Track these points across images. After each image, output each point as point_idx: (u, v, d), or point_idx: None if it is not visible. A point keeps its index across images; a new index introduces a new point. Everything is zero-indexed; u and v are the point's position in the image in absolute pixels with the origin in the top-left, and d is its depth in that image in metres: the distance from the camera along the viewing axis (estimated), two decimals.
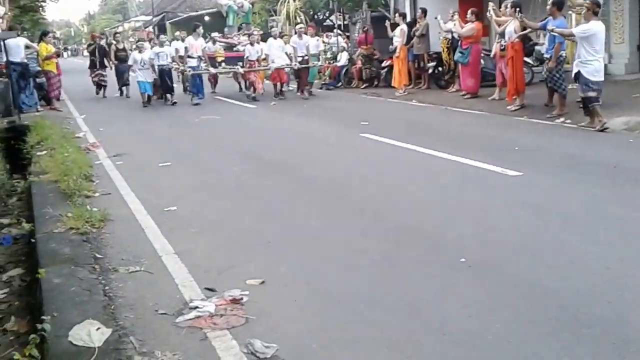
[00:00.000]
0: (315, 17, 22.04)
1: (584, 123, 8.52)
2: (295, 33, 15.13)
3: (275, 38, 14.68)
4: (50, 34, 15.42)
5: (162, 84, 14.26)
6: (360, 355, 2.88)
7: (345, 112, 11.80)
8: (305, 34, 14.95)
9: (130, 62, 14.62)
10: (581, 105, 8.61)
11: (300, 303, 3.47)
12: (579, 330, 2.99)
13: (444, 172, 6.40)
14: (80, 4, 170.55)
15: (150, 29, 38.19)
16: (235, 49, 16.14)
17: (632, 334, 2.92)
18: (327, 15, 22.98)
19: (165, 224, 4.99)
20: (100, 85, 16.49)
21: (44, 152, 7.56)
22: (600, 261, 3.79)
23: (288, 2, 21.35)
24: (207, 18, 34.33)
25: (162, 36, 15.94)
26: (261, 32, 16.74)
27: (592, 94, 8.12)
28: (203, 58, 14.37)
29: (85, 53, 30.20)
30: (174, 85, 14.52)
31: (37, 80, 13.67)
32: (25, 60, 12.93)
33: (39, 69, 13.85)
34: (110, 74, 16.65)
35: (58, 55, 14.90)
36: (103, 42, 17.55)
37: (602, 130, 8.00)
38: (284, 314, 3.34)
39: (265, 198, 5.74)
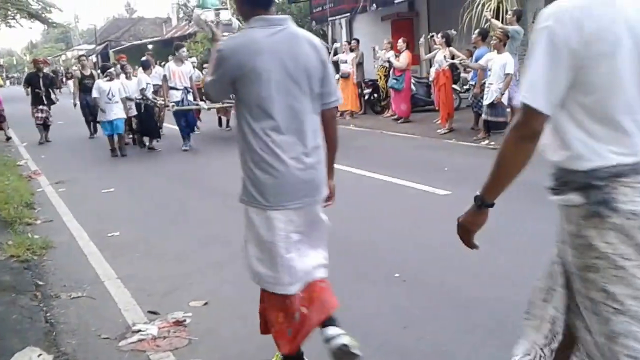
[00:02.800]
0: None
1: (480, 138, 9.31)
2: None
3: None
4: None
5: (147, 124, 10.59)
6: None
7: None
8: None
9: (94, 95, 10.21)
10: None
11: (244, 322, 3.43)
12: (505, 336, 3.08)
13: (378, 192, 6.52)
14: (23, 32, 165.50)
15: (93, 57, 37.41)
16: None
17: None
18: None
19: (108, 249, 4.87)
20: (45, 126, 12.44)
21: None
22: (523, 272, 3.92)
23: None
24: (150, 46, 33.99)
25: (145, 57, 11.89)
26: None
27: (503, 119, 8.80)
28: (191, 90, 10.45)
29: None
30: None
31: None
32: None
33: None
34: (61, 110, 13.51)
35: None
36: (47, 70, 14.38)
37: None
38: (227, 333, 3.31)
39: (209, 221, 5.69)
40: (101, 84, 10.12)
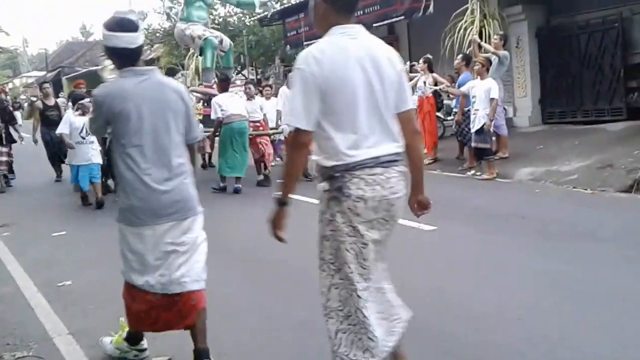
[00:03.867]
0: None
1: (466, 168, 9.58)
2: None
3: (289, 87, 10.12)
4: None
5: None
6: None
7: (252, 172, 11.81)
8: None
9: (61, 130, 8.73)
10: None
11: None
12: None
13: None
14: None
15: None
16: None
17: None
18: (239, 70, 23.29)
19: (58, 300, 4.72)
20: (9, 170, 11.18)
21: None
22: (513, 312, 3.97)
23: (196, 56, 21.41)
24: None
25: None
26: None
27: (488, 146, 8.90)
28: None
29: None
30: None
31: None
32: None
33: None
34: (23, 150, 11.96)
35: None
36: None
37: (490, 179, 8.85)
38: None
39: None
40: (73, 118, 8.68)
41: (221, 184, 9.40)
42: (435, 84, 10.57)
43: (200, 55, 11.68)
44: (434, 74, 10.66)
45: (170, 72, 9.88)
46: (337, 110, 2.54)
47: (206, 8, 11.28)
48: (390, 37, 16.97)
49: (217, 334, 3.93)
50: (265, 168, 10.00)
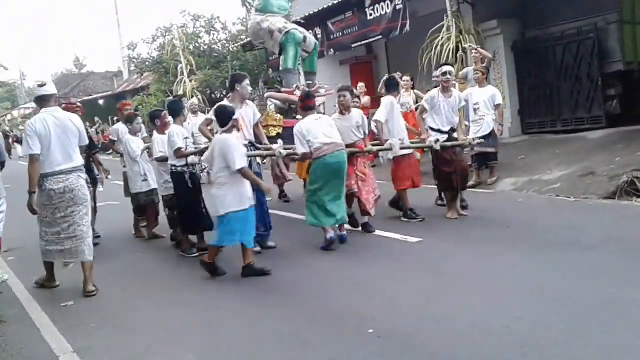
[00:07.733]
0: (213, 96, 22.37)
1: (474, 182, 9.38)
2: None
3: (396, 96, 7.84)
4: None
5: (192, 211, 6.60)
6: None
7: None
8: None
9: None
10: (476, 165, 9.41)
11: None
12: None
13: (348, 242, 6.55)
14: None
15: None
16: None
17: None
18: (224, 94, 23.40)
19: (63, 320, 4.80)
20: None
21: None
22: (500, 321, 3.95)
23: (184, 82, 21.57)
24: (101, 102, 33.96)
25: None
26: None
27: (495, 150, 9.14)
28: (258, 145, 6.71)
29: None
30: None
31: None
32: None
33: None
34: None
35: None
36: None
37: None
38: None
39: (167, 284, 5.67)
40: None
41: (328, 236, 6.35)
42: (417, 101, 10.66)
43: (280, 54, 8.99)
44: (416, 91, 10.80)
45: (237, 79, 6.67)
46: (45, 148, 5.20)
47: None
48: (369, 56, 17.16)
49: None
50: (366, 213, 7.02)
